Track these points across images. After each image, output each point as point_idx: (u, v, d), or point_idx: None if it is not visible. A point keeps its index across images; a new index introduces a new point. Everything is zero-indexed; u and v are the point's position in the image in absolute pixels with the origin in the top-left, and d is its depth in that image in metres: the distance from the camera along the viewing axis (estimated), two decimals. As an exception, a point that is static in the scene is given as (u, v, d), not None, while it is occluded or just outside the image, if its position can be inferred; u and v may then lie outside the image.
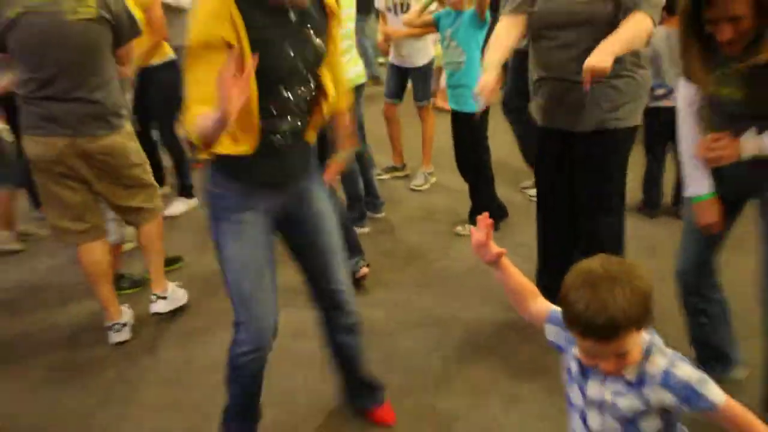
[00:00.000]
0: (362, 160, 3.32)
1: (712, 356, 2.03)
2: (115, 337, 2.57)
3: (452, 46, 2.92)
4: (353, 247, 2.68)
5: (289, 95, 1.62)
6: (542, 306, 1.30)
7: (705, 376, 1.10)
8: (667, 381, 1.10)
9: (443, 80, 4.67)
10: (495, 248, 1.26)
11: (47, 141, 2.35)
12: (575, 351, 1.17)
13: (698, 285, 1.99)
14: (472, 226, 1.28)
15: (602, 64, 1.79)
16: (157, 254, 2.66)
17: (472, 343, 2.38)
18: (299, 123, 1.68)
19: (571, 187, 2.28)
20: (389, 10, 3.68)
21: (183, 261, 3.17)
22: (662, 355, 1.12)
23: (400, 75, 3.85)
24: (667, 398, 1.11)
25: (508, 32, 2.15)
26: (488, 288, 2.61)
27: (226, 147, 1.52)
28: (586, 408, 1.20)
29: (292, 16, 1.58)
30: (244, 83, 1.29)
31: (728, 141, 1.66)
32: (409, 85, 3.92)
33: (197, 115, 1.43)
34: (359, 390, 2.03)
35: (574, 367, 1.21)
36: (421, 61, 3.74)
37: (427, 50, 3.79)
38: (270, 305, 1.72)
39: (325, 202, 1.83)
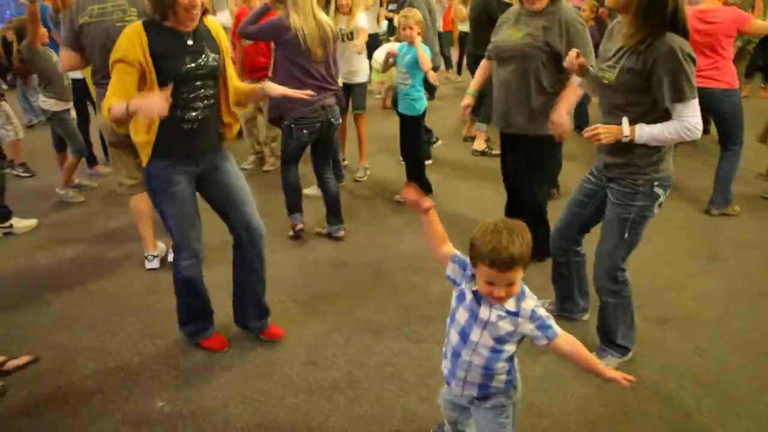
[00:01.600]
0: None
1: (567, 299, 2.85)
2: (149, 265, 3.47)
3: (402, 72, 4.24)
4: (339, 217, 3.86)
5: (191, 95, 2.27)
6: (449, 250, 1.77)
7: (551, 316, 1.60)
8: (533, 316, 1.58)
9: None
10: (426, 203, 1.72)
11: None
12: (471, 285, 1.62)
13: (564, 244, 2.70)
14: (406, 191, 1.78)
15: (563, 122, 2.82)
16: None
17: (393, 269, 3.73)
18: (204, 113, 2.33)
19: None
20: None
21: None
22: (531, 298, 1.61)
23: (345, 89, 4.56)
24: (530, 328, 1.58)
25: (483, 70, 3.30)
26: (415, 227, 4.00)
27: (141, 135, 2.25)
28: (473, 325, 1.62)
29: (188, 39, 2.25)
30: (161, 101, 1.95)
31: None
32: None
33: (113, 104, 2.08)
34: (257, 313, 2.73)
35: (468, 295, 1.63)
36: (360, 79, 4.81)
37: (365, 71, 4.83)
38: (198, 234, 2.50)
39: (233, 167, 2.52)
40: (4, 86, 6.31)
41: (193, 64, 2.26)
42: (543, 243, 3.45)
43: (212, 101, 2.38)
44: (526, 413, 2.29)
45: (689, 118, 2.13)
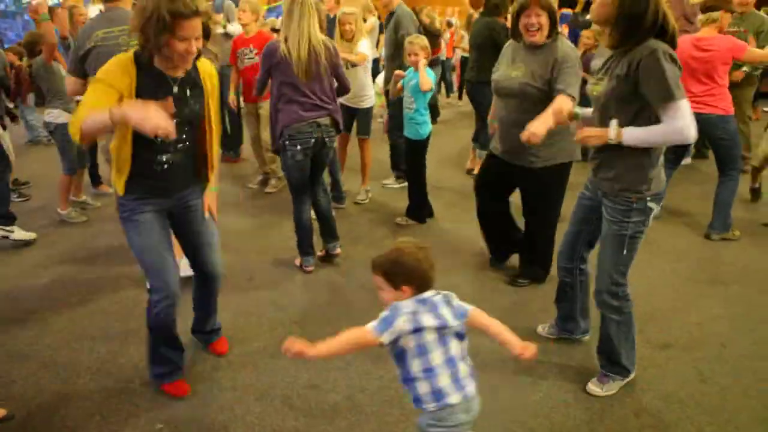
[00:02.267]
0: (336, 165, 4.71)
1: (569, 319, 2.86)
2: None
3: (407, 96, 4.25)
4: (334, 234, 3.85)
5: (163, 154, 2.23)
6: (368, 332, 1.67)
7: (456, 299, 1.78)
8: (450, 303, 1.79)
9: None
10: (305, 351, 1.67)
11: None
12: (417, 318, 1.67)
13: (569, 264, 2.69)
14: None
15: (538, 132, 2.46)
16: None
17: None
18: (176, 157, 2.27)
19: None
20: None
21: None
22: (454, 297, 1.81)
23: (349, 113, 4.74)
24: (450, 313, 1.75)
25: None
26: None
27: (116, 179, 2.22)
28: (447, 338, 1.74)
29: (174, 86, 2.18)
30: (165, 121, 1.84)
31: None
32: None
33: (85, 115, 1.92)
34: (206, 329, 2.85)
35: (429, 322, 1.69)
36: (366, 104, 4.83)
37: (371, 97, 4.85)
38: (172, 271, 2.35)
39: (200, 207, 2.48)
40: (11, 105, 6.38)
41: (174, 110, 2.18)
42: (541, 266, 3.53)
43: (187, 144, 2.34)
44: (529, 439, 2.27)
45: (677, 120, 2.14)
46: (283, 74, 3.39)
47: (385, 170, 5.59)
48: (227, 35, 5.72)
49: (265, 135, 4.69)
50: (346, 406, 2.50)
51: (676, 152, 4.34)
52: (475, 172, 5.59)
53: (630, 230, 2.32)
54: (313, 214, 3.83)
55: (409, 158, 4.49)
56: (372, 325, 1.68)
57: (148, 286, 2.51)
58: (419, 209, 4.56)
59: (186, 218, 2.48)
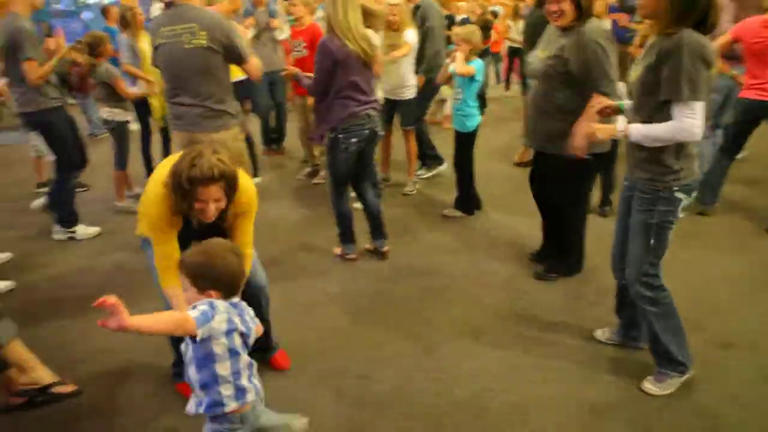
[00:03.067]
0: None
1: (633, 326, 2.70)
2: None
3: (455, 86, 4.25)
4: (383, 232, 3.86)
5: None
6: (189, 320, 1.58)
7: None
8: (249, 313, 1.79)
9: (447, 108, 6.21)
10: (124, 322, 1.51)
11: (178, 134, 3.21)
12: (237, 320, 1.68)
13: (624, 265, 2.50)
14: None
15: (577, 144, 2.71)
16: None
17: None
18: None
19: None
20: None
21: None
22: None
23: (390, 105, 4.81)
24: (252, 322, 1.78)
25: None
26: (463, 241, 4.01)
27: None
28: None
29: (200, 226, 2.11)
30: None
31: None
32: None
33: (172, 285, 2.11)
34: (261, 345, 2.43)
35: (243, 329, 1.71)
36: (408, 95, 4.77)
37: (413, 88, 4.78)
38: None
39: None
40: (72, 101, 6.64)
41: (198, 231, 2.13)
42: (569, 259, 3.46)
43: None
44: (582, 435, 2.23)
45: (686, 119, 2.11)
46: (344, 69, 3.37)
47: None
48: (274, 40, 5.77)
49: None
50: (395, 396, 2.51)
51: (734, 143, 4.18)
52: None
53: (656, 219, 2.28)
54: (358, 204, 3.89)
55: (457, 150, 4.44)
56: (193, 314, 1.60)
57: None
58: (467, 201, 4.52)
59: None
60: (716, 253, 3.76)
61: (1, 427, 2.40)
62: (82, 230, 4.32)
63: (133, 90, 4.77)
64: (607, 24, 5.42)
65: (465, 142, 4.34)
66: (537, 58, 3.14)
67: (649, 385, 2.49)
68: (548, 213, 3.58)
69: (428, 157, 5.45)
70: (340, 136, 3.48)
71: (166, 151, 4.89)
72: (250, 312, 1.81)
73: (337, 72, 3.36)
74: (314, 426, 2.33)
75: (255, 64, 3.27)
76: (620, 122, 2.24)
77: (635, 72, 2.27)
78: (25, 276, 3.74)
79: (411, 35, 4.61)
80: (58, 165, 4.20)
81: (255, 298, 2.53)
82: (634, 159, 2.34)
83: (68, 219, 4.28)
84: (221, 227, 2.21)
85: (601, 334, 2.83)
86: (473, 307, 3.19)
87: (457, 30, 4.15)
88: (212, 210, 2.03)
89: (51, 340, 2.99)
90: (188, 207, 2.04)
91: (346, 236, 3.81)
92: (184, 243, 2.08)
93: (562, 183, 3.28)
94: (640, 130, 2.22)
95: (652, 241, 2.32)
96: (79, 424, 2.41)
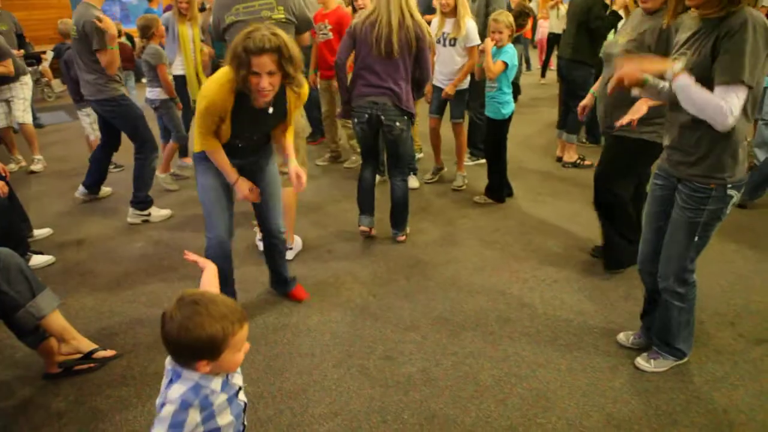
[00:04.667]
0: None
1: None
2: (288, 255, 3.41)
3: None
4: (400, 223, 3.84)
5: (246, 135, 2.61)
6: None
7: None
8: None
9: None
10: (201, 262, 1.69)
11: None
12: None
13: (654, 267, 2.42)
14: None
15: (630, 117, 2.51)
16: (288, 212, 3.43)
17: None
18: (255, 143, 2.69)
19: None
20: (438, 41, 4.43)
21: None
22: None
23: (439, 93, 4.59)
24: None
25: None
26: (493, 229, 4.00)
27: (197, 138, 2.56)
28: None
29: (261, 113, 2.52)
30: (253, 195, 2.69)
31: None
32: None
33: (215, 149, 2.55)
34: (280, 281, 3.16)
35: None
36: (460, 87, 4.50)
37: (465, 80, 4.50)
38: (223, 217, 2.73)
39: (273, 171, 2.85)
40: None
41: (257, 127, 2.62)
42: (618, 251, 3.35)
43: (264, 138, 2.76)
44: (611, 427, 2.22)
45: (730, 100, 1.91)
46: (361, 47, 3.45)
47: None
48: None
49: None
50: (421, 379, 2.53)
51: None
52: (566, 159, 5.41)
53: (705, 218, 2.18)
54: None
55: (490, 137, 4.41)
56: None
57: (205, 227, 2.80)
58: (498, 189, 4.49)
59: (255, 176, 2.79)
60: (753, 248, 3.66)
61: (43, 393, 2.51)
62: (156, 213, 4.37)
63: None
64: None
65: (499, 129, 4.30)
66: (614, 43, 3.03)
67: (643, 362, 2.52)
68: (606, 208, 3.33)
69: (477, 147, 5.36)
70: (352, 113, 3.62)
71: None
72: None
73: (356, 47, 3.49)
74: (339, 406, 2.38)
75: (306, 35, 3.44)
76: (678, 64, 1.97)
77: (680, 61, 2.08)
78: (64, 251, 3.87)
79: (473, 29, 4.32)
80: (138, 148, 4.22)
81: (275, 240, 3.00)
82: (683, 154, 2.19)
83: (144, 200, 4.30)
84: (276, 125, 2.67)
85: (624, 338, 2.74)
86: (499, 296, 3.18)
87: (497, 16, 4.03)
88: (267, 84, 2.30)
89: (85, 313, 3.10)
90: (245, 79, 2.30)
91: (361, 206, 3.88)
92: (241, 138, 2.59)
93: (627, 168, 3.16)
94: (688, 83, 1.97)
95: (696, 239, 2.23)
96: (113, 391, 2.50)
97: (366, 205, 3.88)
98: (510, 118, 4.25)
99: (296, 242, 3.77)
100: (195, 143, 2.61)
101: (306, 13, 3.24)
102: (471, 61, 4.39)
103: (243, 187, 2.69)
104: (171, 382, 1.35)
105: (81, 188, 4.70)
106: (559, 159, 5.51)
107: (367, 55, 3.45)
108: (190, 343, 1.28)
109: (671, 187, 2.30)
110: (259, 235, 3.62)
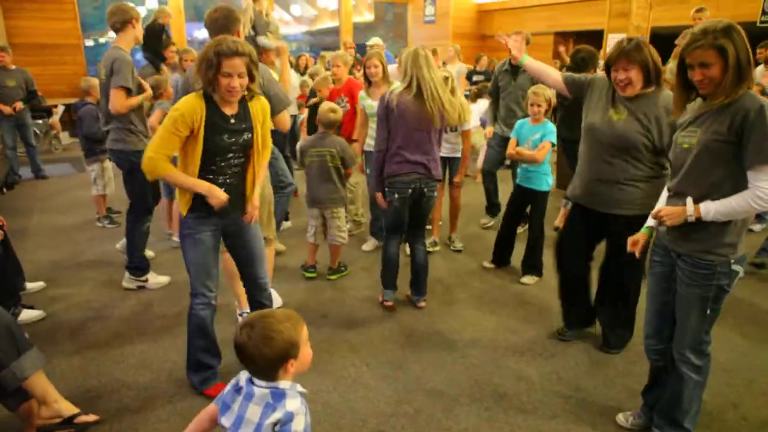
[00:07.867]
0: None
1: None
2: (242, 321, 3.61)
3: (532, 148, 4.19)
4: (422, 289, 3.82)
5: (222, 164, 2.57)
6: (210, 412, 1.67)
7: None
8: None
9: (480, 162, 6.26)
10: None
11: None
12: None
13: (660, 344, 2.43)
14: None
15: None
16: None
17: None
18: (232, 179, 2.62)
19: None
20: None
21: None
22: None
23: (442, 162, 4.44)
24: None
25: None
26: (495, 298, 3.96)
27: (181, 200, 2.59)
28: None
29: (231, 118, 2.53)
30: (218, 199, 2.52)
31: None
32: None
33: (169, 169, 2.45)
34: None
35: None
36: (460, 153, 4.71)
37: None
38: (213, 280, 2.71)
39: (254, 228, 2.81)
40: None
41: (231, 140, 2.57)
42: (630, 329, 3.29)
43: (239, 169, 2.68)
44: None
45: (764, 184, 1.97)
46: (398, 121, 3.42)
47: (468, 215, 5.54)
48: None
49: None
50: (413, 456, 2.43)
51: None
52: (558, 218, 5.46)
53: (713, 292, 2.17)
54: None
55: (536, 210, 4.35)
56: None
57: (190, 292, 2.76)
58: (539, 260, 4.39)
59: (238, 234, 2.81)
60: (750, 324, 3.61)
61: (18, 458, 2.41)
62: (153, 279, 4.17)
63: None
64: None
65: (543, 200, 4.32)
66: (609, 122, 2.86)
67: None
68: (607, 285, 3.29)
69: (494, 206, 5.51)
70: (386, 189, 3.59)
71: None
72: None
73: (393, 122, 3.44)
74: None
75: (285, 118, 3.31)
76: (689, 205, 2.07)
77: (691, 138, 2.11)
78: (55, 305, 3.82)
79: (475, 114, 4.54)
80: (133, 208, 4.09)
81: (260, 296, 2.97)
82: (682, 231, 2.18)
83: (140, 266, 4.12)
84: (250, 143, 2.63)
85: (623, 419, 2.65)
86: (497, 370, 3.11)
87: (537, 89, 4.12)
88: (237, 85, 2.41)
89: (71, 373, 3.03)
90: (212, 81, 2.41)
91: (385, 281, 3.83)
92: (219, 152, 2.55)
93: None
94: (716, 209, 2.05)
95: (708, 312, 2.21)
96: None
97: (391, 280, 3.83)
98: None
99: (275, 299, 3.59)
100: (148, 167, 2.46)
101: (274, 89, 3.12)
102: (467, 144, 4.59)
103: (217, 192, 2.53)
104: (247, 401, 1.55)
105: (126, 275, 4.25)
106: (557, 229, 5.51)
107: (406, 129, 3.43)
108: (275, 349, 1.50)
109: (671, 263, 2.29)
110: (239, 311, 3.56)
